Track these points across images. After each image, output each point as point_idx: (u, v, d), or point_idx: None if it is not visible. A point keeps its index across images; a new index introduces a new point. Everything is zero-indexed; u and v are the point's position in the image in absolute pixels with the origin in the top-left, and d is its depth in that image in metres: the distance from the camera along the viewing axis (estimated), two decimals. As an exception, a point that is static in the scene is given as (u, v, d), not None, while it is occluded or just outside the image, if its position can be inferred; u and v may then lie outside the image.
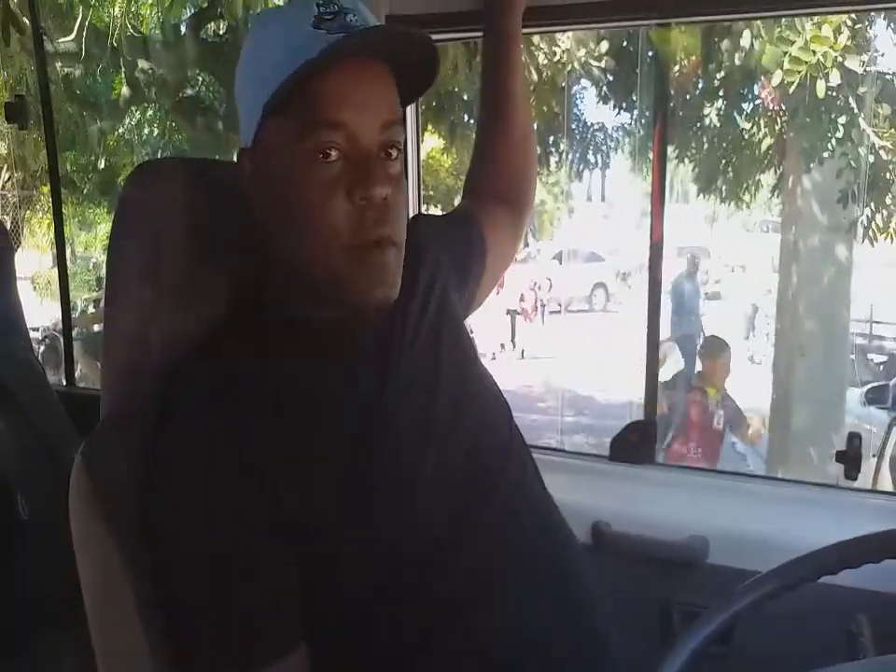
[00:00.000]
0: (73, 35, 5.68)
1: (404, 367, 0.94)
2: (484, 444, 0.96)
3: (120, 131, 7.33)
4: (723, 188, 6.91)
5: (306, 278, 0.88)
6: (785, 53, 4.58)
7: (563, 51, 5.51)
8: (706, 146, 6.76)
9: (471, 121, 7.45)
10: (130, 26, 5.67)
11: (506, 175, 1.29)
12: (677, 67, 5.58)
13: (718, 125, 6.49)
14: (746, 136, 6.45)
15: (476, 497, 0.91)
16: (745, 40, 4.98)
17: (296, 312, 0.92)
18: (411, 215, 1.14)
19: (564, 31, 3.39)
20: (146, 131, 7.17)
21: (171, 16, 5.47)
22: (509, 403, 1.06)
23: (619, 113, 7.54)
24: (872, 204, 5.51)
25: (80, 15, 5.42)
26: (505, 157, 1.29)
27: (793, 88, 4.75)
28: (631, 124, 7.82)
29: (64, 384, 2.34)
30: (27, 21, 3.58)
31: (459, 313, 1.09)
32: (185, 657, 0.82)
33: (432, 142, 9.31)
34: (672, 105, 5.93)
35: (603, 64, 5.70)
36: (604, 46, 5.64)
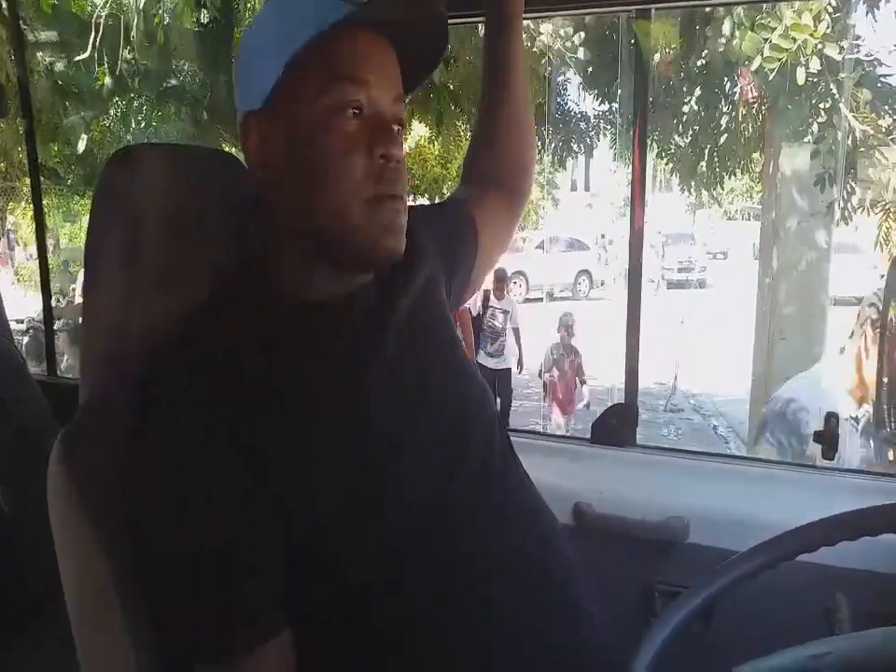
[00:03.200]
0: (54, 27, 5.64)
1: (397, 355, 0.95)
2: (469, 432, 0.97)
3: (107, 122, 7.26)
4: (706, 174, 6.96)
5: (320, 233, 0.90)
6: (765, 40, 4.60)
7: (541, 42, 5.53)
8: (689, 136, 6.79)
9: (458, 110, 7.45)
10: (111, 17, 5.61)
11: (504, 159, 1.30)
12: (658, 56, 5.60)
13: (699, 114, 6.52)
14: (725, 124, 6.49)
15: (461, 483, 0.92)
16: (725, 29, 5.00)
17: (297, 282, 0.93)
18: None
19: (543, 17, 3.36)
20: (132, 123, 7.11)
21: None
22: (491, 392, 1.07)
23: (601, 102, 7.57)
24: (849, 186, 5.58)
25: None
26: (503, 141, 1.29)
27: (773, 75, 4.77)
28: (612, 114, 7.85)
29: (46, 374, 2.32)
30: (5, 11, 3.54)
31: (444, 304, 1.10)
32: (167, 643, 0.83)
33: (420, 130, 9.30)
34: (654, 94, 5.96)
35: (580, 55, 5.72)
36: (578, 38, 5.67)
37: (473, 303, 6.93)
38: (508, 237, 1.37)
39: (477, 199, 1.24)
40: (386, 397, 0.92)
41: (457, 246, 1.19)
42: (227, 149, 3.17)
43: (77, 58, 5.79)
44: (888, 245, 6.35)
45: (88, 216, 0.98)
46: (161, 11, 5.60)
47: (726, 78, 6.29)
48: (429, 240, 1.10)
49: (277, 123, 0.89)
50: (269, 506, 0.81)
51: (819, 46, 4.65)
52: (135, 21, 5.56)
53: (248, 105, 0.91)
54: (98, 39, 5.73)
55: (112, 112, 7.18)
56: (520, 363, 7.66)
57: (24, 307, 9.33)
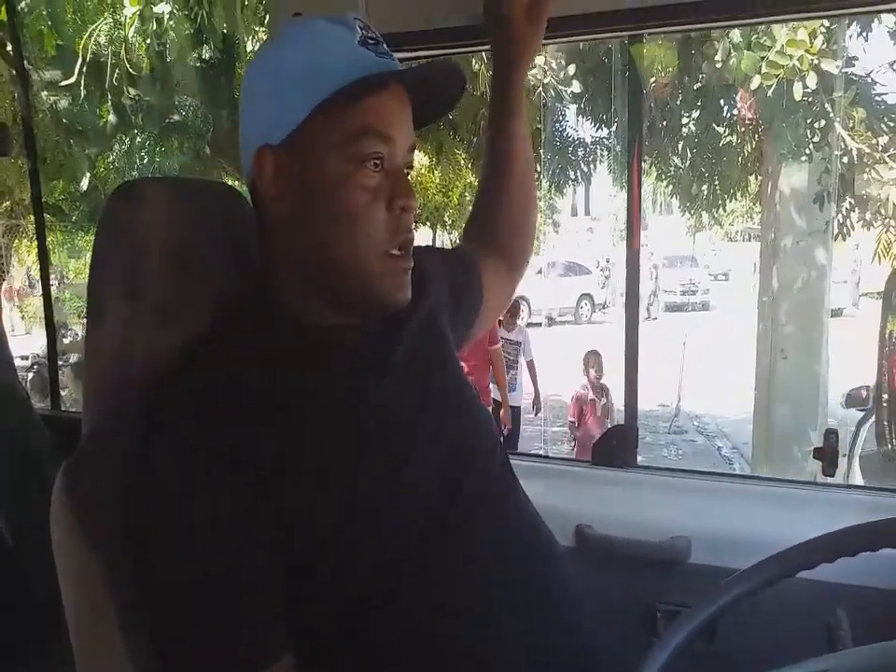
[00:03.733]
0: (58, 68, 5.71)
1: (399, 377, 0.97)
2: (469, 453, 0.98)
3: (111, 158, 7.32)
4: (706, 197, 6.98)
5: (335, 278, 0.92)
6: (762, 58, 4.64)
7: (534, 75, 5.60)
8: (687, 160, 6.83)
9: (457, 139, 7.50)
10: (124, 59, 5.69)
11: (504, 228, 1.32)
12: (654, 80, 5.65)
13: (697, 135, 6.56)
14: (722, 145, 6.53)
15: (461, 503, 0.93)
16: (721, 49, 5.05)
17: (300, 311, 0.95)
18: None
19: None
20: (136, 158, 7.17)
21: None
22: (496, 421, 1.08)
23: (598, 129, 7.62)
24: (847, 203, 5.61)
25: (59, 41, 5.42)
26: (505, 211, 1.32)
27: (770, 91, 4.81)
28: (610, 139, 7.89)
29: (50, 408, 2.34)
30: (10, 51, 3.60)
31: (446, 332, 1.11)
32: (167, 668, 0.83)
33: (420, 159, 9.35)
34: (651, 117, 6.00)
35: (572, 89, 5.77)
36: (572, 68, 5.72)
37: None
38: (507, 300, 1.42)
39: (482, 257, 1.27)
40: (387, 419, 0.93)
41: (463, 291, 1.21)
42: (230, 183, 3.20)
43: (65, 83, 5.82)
44: (887, 258, 6.38)
45: (90, 252, 0.99)
46: (162, 48, 5.68)
47: (723, 100, 6.34)
48: (436, 278, 1.13)
49: (297, 161, 0.90)
50: (271, 528, 0.82)
51: (816, 61, 4.69)
52: (123, 53, 5.63)
53: (265, 139, 0.91)
54: (99, 76, 5.82)
55: (116, 147, 7.23)
56: (536, 404, 7.16)
57: (27, 343, 9.37)
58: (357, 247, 0.90)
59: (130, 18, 5.35)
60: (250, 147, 0.92)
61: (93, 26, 5.67)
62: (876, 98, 5.58)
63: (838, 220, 5.64)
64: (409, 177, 0.94)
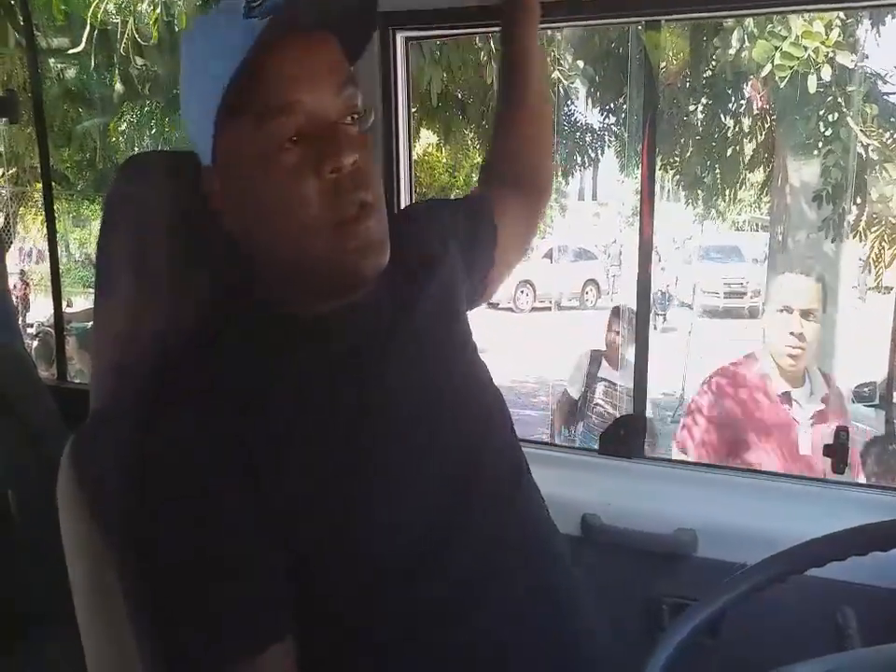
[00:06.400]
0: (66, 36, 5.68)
1: (393, 357, 0.93)
2: (473, 442, 0.95)
3: (122, 128, 7.30)
4: (714, 184, 6.96)
5: (296, 273, 0.87)
6: (776, 48, 4.60)
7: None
8: (691, 149, 6.80)
9: (465, 119, 7.46)
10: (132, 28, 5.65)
11: (522, 163, 1.27)
12: (665, 66, 5.62)
13: (705, 124, 6.53)
14: (731, 135, 6.50)
15: (462, 499, 0.90)
16: (735, 40, 5.02)
17: (287, 309, 0.91)
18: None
19: (553, 28, 3.36)
20: (144, 129, 7.14)
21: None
22: (504, 399, 1.04)
23: (606, 116, 7.58)
24: (857, 200, 5.58)
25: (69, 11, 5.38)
26: (521, 145, 1.27)
27: (784, 83, 4.78)
28: (620, 125, 7.86)
29: (56, 377, 2.33)
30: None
31: (457, 307, 1.07)
32: (168, 647, 0.82)
33: (429, 137, 9.31)
34: (661, 105, 5.97)
35: (577, 84, 5.74)
36: (584, 59, 5.70)
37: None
38: (527, 240, 1.33)
39: (496, 197, 1.21)
40: (388, 410, 0.90)
41: (474, 244, 1.14)
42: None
43: (73, 50, 5.78)
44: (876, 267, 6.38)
45: (97, 221, 0.98)
46: (171, 17, 5.63)
47: (731, 89, 6.31)
48: (443, 236, 1.08)
49: (228, 175, 0.86)
50: (270, 514, 0.81)
51: (831, 54, 4.65)
52: (131, 24, 5.60)
53: (204, 161, 0.88)
54: (107, 45, 5.78)
55: (126, 117, 7.21)
56: None
57: (32, 311, 9.38)
58: (300, 232, 0.83)
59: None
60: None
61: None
62: (886, 96, 5.56)
63: (848, 220, 5.60)
64: (355, 119, 0.85)
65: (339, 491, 0.84)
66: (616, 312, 5.40)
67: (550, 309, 11.03)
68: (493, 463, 0.95)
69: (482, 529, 0.90)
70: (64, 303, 3.22)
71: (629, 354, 4.83)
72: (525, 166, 1.28)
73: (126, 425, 0.86)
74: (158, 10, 5.45)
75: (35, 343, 6.98)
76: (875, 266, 6.60)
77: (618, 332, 5.06)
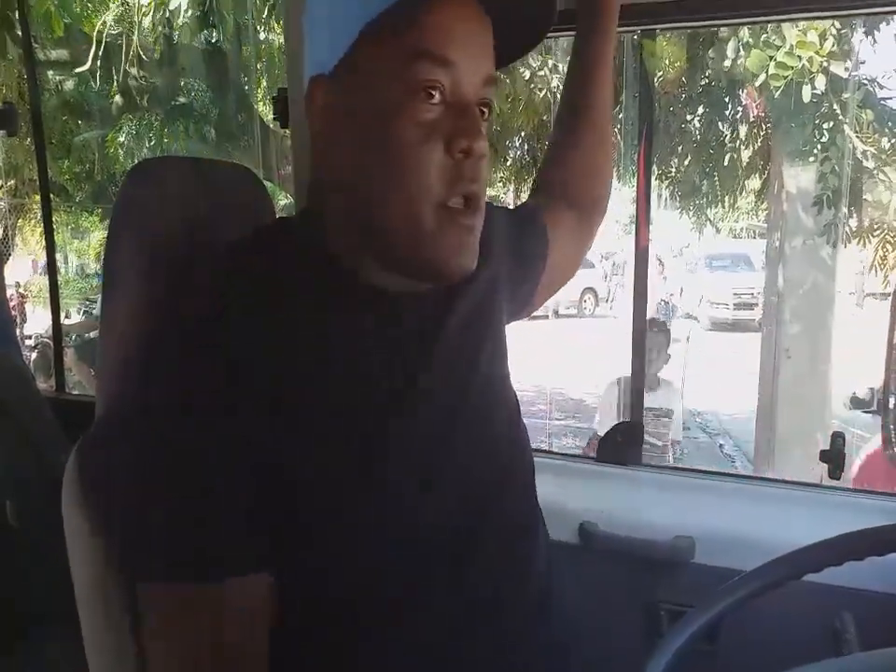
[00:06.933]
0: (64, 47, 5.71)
1: (436, 356, 0.89)
2: (493, 489, 0.91)
3: (120, 139, 7.32)
4: (710, 192, 6.96)
5: (380, 234, 0.80)
6: (771, 58, 4.62)
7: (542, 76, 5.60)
8: (688, 157, 6.81)
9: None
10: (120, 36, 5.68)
11: (579, 178, 1.22)
12: (661, 74, 5.64)
13: (702, 132, 6.55)
14: (728, 143, 6.52)
15: (476, 509, 0.88)
16: (730, 50, 5.03)
17: (355, 267, 0.83)
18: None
19: (551, 37, 3.36)
20: (144, 141, 7.16)
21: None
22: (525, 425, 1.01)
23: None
24: (853, 207, 5.61)
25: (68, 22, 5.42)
26: (580, 160, 1.22)
27: (779, 93, 4.80)
28: (616, 134, 7.86)
29: (55, 389, 2.33)
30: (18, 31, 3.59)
31: (502, 316, 1.02)
32: (139, 569, 0.78)
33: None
34: (657, 113, 5.99)
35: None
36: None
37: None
38: (578, 258, 1.27)
39: (550, 209, 1.16)
40: (417, 412, 0.85)
41: (526, 257, 1.09)
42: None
43: (79, 69, 5.81)
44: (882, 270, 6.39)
45: (96, 233, 0.99)
46: (169, 29, 5.67)
47: (727, 97, 6.32)
48: (496, 245, 1.01)
49: (343, 94, 0.79)
50: (262, 459, 0.76)
51: (825, 64, 4.68)
52: (136, 38, 5.62)
53: (315, 69, 0.82)
54: (108, 57, 5.81)
55: (124, 129, 7.22)
56: None
57: (31, 323, 9.36)
58: (405, 194, 0.77)
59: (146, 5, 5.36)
60: (306, 78, 0.83)
61: (106, 13, 5.66)
62: (882, 101, 5.57)
63: (845, 225, 5.62)
64: (483, 117, 0.80)
65: (367, 481, 0.80)
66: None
67: (547, 317, 11.00)
68: (510, 498, 0.93)
69: (497, 542, 0.89)
70: (63, 315, 3.22)
71: (663, 373, 4.79)
72: (584, 176, 1.23)
73: (134, 426, 0.83)
74: (159, 28, 5.49)
75: (34, 355, 6.97)
76: (881, 269, 6.61)
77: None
